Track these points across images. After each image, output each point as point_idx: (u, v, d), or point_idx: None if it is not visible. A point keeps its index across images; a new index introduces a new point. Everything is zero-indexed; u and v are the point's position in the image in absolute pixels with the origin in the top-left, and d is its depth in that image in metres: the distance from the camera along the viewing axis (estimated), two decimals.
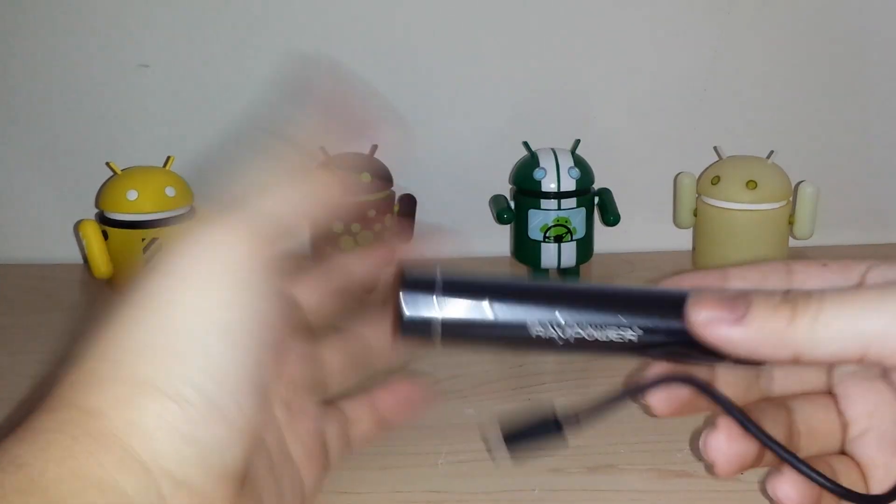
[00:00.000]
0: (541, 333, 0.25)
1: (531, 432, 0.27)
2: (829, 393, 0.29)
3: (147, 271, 0.24)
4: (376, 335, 0.34)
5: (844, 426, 0.28)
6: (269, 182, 0.26)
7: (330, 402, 0.33)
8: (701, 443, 0.27)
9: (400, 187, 0.58)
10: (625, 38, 0.61)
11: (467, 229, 0.64)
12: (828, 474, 0.27)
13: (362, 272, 0.34)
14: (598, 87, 0.62)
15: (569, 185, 0.54)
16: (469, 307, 0.25)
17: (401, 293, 0.25)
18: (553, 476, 0.34)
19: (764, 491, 0.33)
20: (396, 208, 0.57)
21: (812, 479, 0.25)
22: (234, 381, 0.24)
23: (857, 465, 0.28)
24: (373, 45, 0.61)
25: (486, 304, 0.25)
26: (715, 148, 0.59)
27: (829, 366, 0.29)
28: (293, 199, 0.26)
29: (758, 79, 0.62)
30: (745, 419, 0.26)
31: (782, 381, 0.30)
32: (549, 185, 0.54)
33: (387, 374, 0.34)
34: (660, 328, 0.26)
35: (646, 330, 0.26)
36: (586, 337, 0.26)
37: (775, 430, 0.27)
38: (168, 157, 0.54)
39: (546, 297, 0.26)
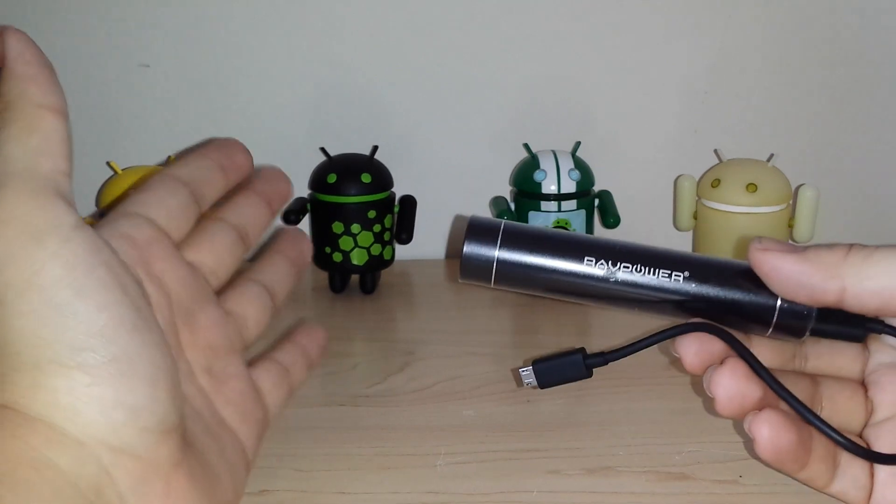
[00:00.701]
0: (588, 279, 0.28)
1: (561, 367, 0.30)
2: (861, 382, 0.29)
3: None
4: (279, 273, 0.34)
5: (869, 413, 0.28)
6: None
7: (262, 355, 0.33)
8: (705, 378, 0.27)
9: (400, 188, 0.58)
10: (626, 40, 0.61)
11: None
12: (828, 443, 0.27)
13: (250, 221, 0.33)
14: (598, 90, 0.62)
15: (569, 187, 0.54)
16: (521, 254, 0.28)
17: (466, 235, 0.28)
18: (551, 477, 0.34)
19: (762, 494, 0.33)
20: (397, 209, 0.57)
21: (818, 428, 0.26)
22: (122, 333, 0.23)
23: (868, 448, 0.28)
24: (374, 47, 0.61)
25: (536, 254, 0.28)
26: (715, 150, 0.59)
27: (865, 352, 0.29)
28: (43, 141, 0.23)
29: (758, 81, 0.62)
30: (759, 366, 0.27)
31: (816, 362, 0.30)
32: (550, 187, 0.54)
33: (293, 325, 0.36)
34: (709, 276, 0.28)
35: (695, 273, 0.28)
36: (634, 272, 0.28)
37: (797, 394, 0.27)
38: (168, 157, 0.54)
39: (596, 248, 0.28)
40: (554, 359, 0.30)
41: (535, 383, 0.30)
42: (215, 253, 0.31)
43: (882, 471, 0.27)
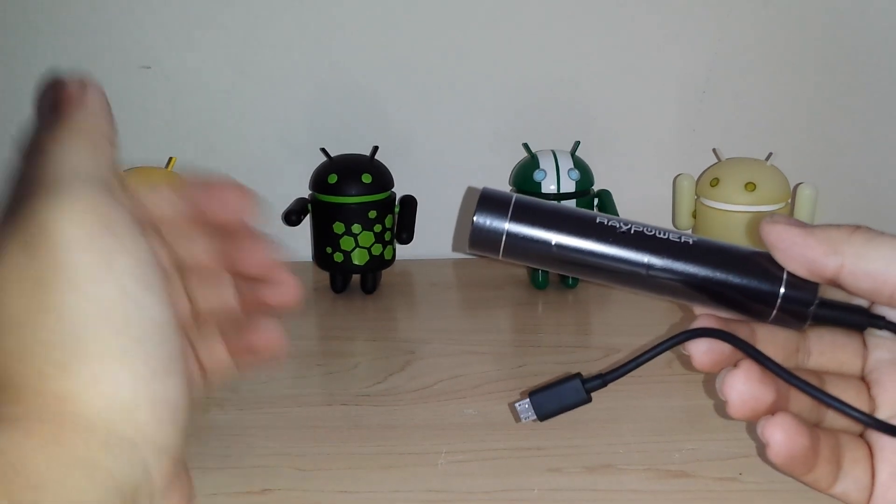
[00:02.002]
0: (597, 256, 0.28)
1: (558, 394, 0.29)
2: (862, 379, 0.29)
3: (17, 248, 0.22)
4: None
5: (873, 411, 0.29)
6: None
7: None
8: (718, 381, 0.27)
9: (400, 188, 0.58)
10: (624, 40, 0.61)
11: (467, 230, 0.64)
12: (833, 445, 0.27)
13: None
14: (597, 90, 0.62)
15: (568, 186, 0.54)
16: (532, 228, 0.28)
17: (477, 206, 0.28)
18: (552, 476, 0.34)
19: (762, 491, 0.33)
20: (397, 209, 0.57)
21: (842, 410, 0.26)
22: (175, 334, 0.23)
23: (870, 449, 0.28)
24: (373, 46, 0.61)
25: (546, 229, 0.28)
26: (714, 150, 0.59)
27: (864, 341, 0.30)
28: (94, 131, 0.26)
29: (757, 81, 0.62)
30: (768, 360, 0.27)
31: (819, 358, 0.30)
32: (549, 187, 0.54)
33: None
34: (716, 251, 0.28)
35: (702, 243, 0.28)
36: (645, 231, 0.28)
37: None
38: (170, 158, 0.55)
39: (602, 231, 0.28)
40: (550, 387, 0.29)
41: (533, 416, 0.29)
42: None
43: (883, 472, 0.27)
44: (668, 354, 0.45)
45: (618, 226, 0.28)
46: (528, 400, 0.29)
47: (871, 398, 0.29)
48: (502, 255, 0.28)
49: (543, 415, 0.29)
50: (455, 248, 0.65)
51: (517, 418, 0.30)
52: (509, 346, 0.48)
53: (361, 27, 0.61)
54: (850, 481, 0.28)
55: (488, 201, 0.28)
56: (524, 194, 0.29)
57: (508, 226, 0.28)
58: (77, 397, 0.22)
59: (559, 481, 0.34)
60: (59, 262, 0.22)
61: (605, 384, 0.29)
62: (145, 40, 0.60)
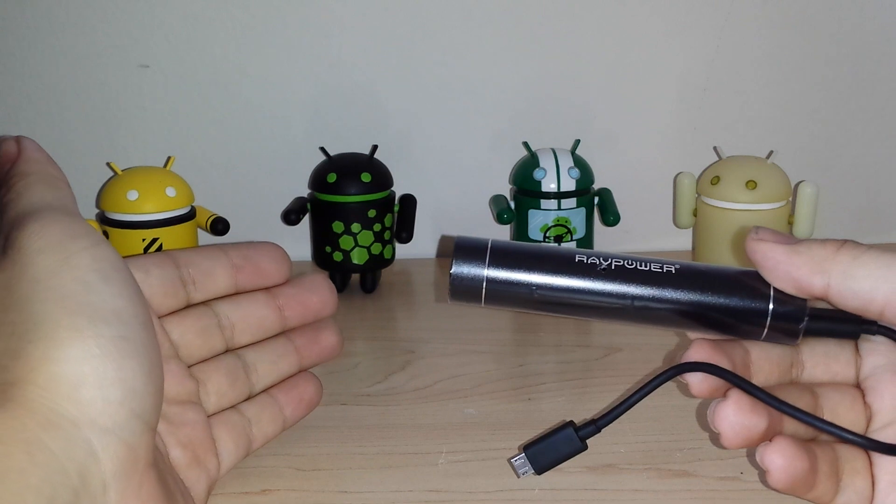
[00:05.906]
0: (580, 292, 0.28)
1: (553, 445, 0.29)
2: (857, 387, 0.29)
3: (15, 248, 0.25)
4: (268, 357, 0.36)
5: (869, 419, 0.28)
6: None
7: (229, 407, 0.34)
8: (710, 412, 0.27)
9: (400, 187, 0.58)
10: (625, 37, 0.61)
11: (467, 229, 0.64)
12: (832, 459, 0.27)
13: (241, 315, 0.35)
14: (598, 87, 0.62)
15: (569, 185, 0.54)
16: (511, 272, 0.28)
17: (453, 256, 0.28)
18: (553, 475, 0.34)
19: (763, 490, 0.33)
20: (397, 208, 0.57)
21: (837, 435, 0.26)
22: (135, 322, 0.25)
23: (869, 458, 0.28)
24: (374, 46, 0.61)
25: (525, 270, 0.28)
26: (715, 148, 0.59)
27: (857, 353, 0.29)
28: None
29: (758, 78, 0.62)
30: (757, 390, 0.27)
31: (812, 371, 0.30)
32: (549, 186, 0.54)
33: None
34: (702, 275, 0.28)
35: (686, 268, 0.28)
36: (626, 265, 0.28)
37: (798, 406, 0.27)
38: (168, 158, 0.54)
39: (587, 252, 0.28)
40: (545, 439, 0.29)
41: (531, 471, 0.29)
42: (182, 327, 0.33)
43: (882, 480, 0.27)
44: (668, 353, 0.45)
45: (598, 262, 0.28)
46: (523, 455, 0.29)
47: (867, 405, 0.28)
48: (485, 302, 0.28)
49: (540, 468, 0.29)
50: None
51: (516, 474, 0.30)
52: (509, 346, 0.48)
53: (361, 26, 0.60)
54: (851, 492, 0.28)
55: (464, 250, 0.28)
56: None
57: (487, 272, 0.28)
58: (23, 379, 0.23)
59: (560, 481, 0.34)
60: (24, 266, 0.24)
61: (598, 430, 0.29)
62: (144, 39, 0.60)
